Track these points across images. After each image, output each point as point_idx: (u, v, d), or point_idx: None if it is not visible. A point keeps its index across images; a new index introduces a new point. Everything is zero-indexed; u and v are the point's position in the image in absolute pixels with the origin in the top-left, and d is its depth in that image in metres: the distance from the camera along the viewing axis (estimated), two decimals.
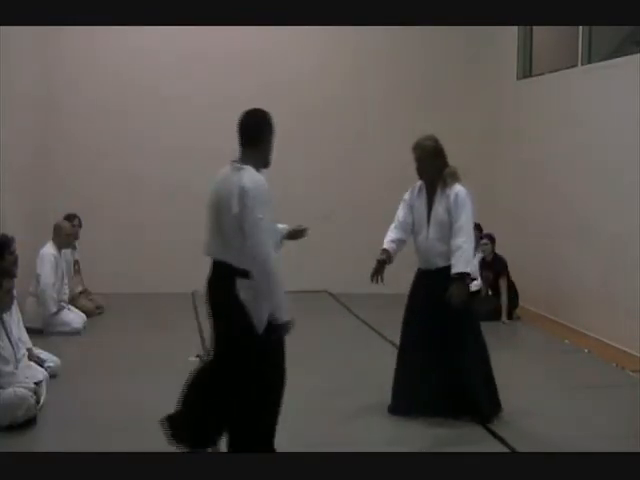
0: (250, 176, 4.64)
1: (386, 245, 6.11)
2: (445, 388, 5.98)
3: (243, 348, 4.69)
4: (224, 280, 4.69)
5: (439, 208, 5.96)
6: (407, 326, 6.25)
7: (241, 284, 4.63)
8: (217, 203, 4.73)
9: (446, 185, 5.95)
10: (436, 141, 6.09)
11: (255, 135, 4.79)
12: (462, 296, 5.79)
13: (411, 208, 6.15)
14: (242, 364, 4.70)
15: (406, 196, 6.24)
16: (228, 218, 4.63)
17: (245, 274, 4.62)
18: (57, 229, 9.13)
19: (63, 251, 9.23)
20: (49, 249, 8.95)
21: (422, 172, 6.08)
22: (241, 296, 4.62)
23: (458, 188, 5.95)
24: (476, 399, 5.97)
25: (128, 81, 11.29)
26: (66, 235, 9.16)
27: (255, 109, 4.87)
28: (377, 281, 6.05)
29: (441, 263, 5.95)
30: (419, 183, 6.17)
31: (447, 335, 5.92)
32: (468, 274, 5.88)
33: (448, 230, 5.90)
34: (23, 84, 9.95)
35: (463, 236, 5.81)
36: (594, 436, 5.77)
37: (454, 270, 5.79)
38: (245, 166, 4.70)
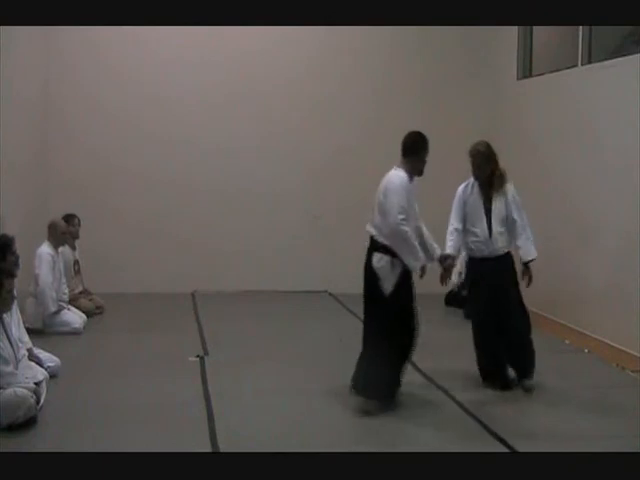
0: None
1: (450, 250, 6.91)
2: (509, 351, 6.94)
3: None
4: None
5: (499, 205, 6.95)
6: (480, 305, 7.02)
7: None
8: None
9: (501, 185, 6.98)
10: (488, 146, 7.05)
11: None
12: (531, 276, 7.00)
13: (464, 203, 7.05)
14: None
15: (460, 192, 7.11)
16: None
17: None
18: (52, 227, 9.11)
19: (62, 250, 9.22)
20: (45, 248, 8.94)
21: (478, 173, 7.01)
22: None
23: (511, 187, 7.02)
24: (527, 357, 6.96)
25: (129, 79, 11.29)
26: (61, 233, 9.14)
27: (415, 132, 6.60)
28: (446, 284, 6.99)
29: (501, 251, 6.95)
30: (471, 181, 7.07)
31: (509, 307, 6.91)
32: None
33: (506, 223, 6.93)
34: (23, 83, 9.94)
35: (528, 230, 6.98)
36: (594, 436, 5.77)
37: (531, 257, 6.93)
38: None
